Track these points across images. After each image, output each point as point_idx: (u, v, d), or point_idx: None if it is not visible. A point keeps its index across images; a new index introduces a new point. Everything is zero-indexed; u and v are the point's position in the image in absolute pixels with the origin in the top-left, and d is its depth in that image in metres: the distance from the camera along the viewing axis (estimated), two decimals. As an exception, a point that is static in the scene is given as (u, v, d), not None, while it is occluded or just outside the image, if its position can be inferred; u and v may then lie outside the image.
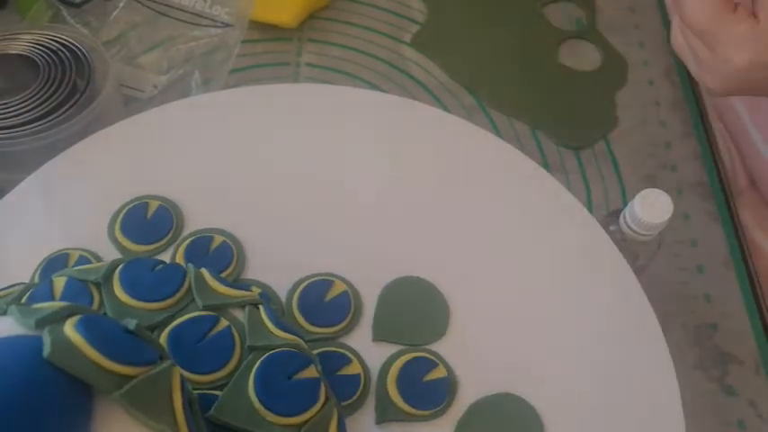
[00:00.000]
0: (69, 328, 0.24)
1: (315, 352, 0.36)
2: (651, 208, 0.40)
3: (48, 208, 0.42)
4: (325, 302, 0.38)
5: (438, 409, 0.35)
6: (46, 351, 0.22)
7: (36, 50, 0.50)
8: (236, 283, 0.38)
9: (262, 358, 0.29)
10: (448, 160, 0.44)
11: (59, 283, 0.32)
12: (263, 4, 0.57)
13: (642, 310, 0.39)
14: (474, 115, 0.57)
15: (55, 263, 0.39)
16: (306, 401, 0.29)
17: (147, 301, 0.32)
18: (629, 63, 0.61)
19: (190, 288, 0.32)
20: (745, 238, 0.53)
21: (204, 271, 0.33)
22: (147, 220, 0.40)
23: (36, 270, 0.38)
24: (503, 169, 0.44)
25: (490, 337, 0.38)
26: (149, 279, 0.32)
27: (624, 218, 0.41)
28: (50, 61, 0.49)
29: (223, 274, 0.38)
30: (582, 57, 0.62)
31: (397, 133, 0.45)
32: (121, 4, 0.57)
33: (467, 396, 0.36)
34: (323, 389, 0.30)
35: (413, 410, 0.35)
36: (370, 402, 0.36)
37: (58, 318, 0.24)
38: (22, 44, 0.50)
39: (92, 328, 0.24)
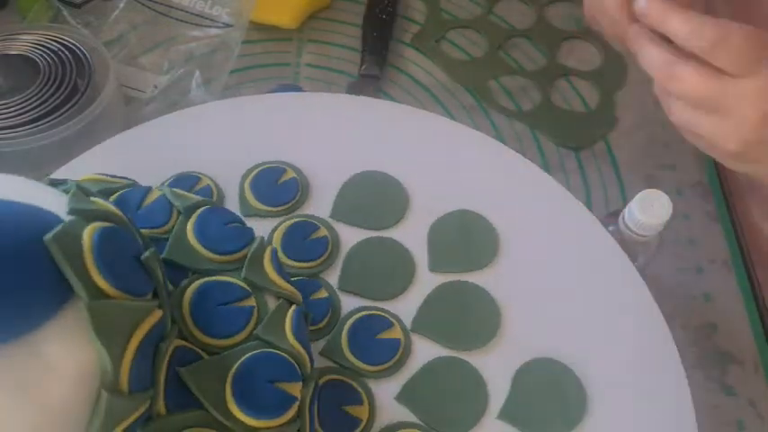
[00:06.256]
0: (88, 229, 0.23)
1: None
2: (650, 209, 0.40)
3: (205, 135, 0.44)
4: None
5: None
6: (48, 234, 0.22)
7: (37, 51, 0.50)
8: (311, 279, 0.39)
9: (256, 351, 0.29)
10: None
11: (154, 195, 0.33)
12: (264, 4, 0.57)
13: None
14: (474, 115, 0.57)
15: (185, 179, 0.40)
16: (280, 408, 0.29)
17: (205, 248, 0.32)
18: (629, 63, 0.61)
19: (245, 256, 0.32)
20: (744, 237, 0.53)
21: (269, 250, 0.33)
22: (276, 185, 0.41)
23: (168, 179, 0.41)
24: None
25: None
26: (218, 230, 0.33)
27: (623, 218, 0.41)
28: (51, 61, 0.50)
29: (307, 264, 0.39)
30: (582, 57, 0.62)
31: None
32: (122, 5, 0.57)
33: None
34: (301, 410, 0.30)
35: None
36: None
37: (91, 216, 0.24)
38: (22, 44, 0.51)
39: (108, 239, 0.24)
